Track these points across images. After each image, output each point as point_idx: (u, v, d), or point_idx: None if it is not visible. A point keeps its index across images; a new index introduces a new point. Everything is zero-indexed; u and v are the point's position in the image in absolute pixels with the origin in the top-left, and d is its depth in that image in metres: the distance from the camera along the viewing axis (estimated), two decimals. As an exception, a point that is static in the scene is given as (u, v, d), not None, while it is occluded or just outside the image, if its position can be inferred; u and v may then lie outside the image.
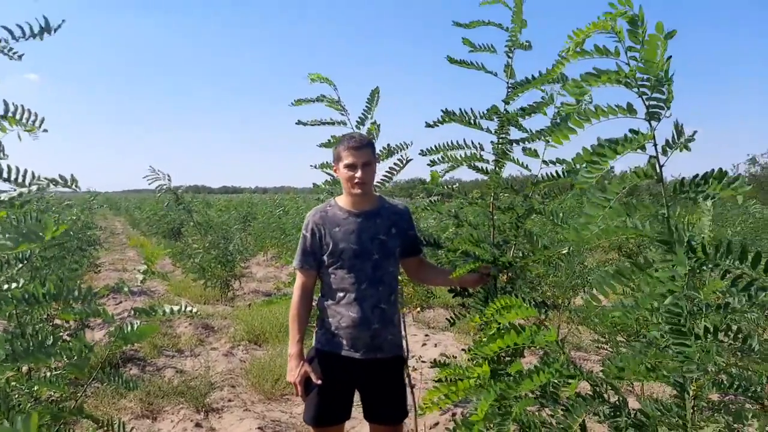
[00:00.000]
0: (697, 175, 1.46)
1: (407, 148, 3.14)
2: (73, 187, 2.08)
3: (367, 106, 3.17)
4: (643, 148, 1.49)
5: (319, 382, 2.41)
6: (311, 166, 3.36)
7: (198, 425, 3.85)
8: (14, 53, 2.05)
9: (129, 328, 2.04)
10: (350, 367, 2.44)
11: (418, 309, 7.04)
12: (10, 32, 1.98)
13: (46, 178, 1.99)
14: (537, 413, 1.99)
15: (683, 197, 1.50)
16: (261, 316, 6.27)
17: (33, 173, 1.96)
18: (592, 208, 1.50)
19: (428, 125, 2.55)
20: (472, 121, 2.48)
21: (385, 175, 3.22)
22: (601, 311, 2.85)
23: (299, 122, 3.29)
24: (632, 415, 1.74)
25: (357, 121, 3.14)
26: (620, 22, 1.44)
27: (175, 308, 2.13)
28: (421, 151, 2.64)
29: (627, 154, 1.48)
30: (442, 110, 2.53)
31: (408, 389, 3.40)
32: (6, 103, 1.91)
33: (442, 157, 2.59)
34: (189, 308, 2.16)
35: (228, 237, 9.39)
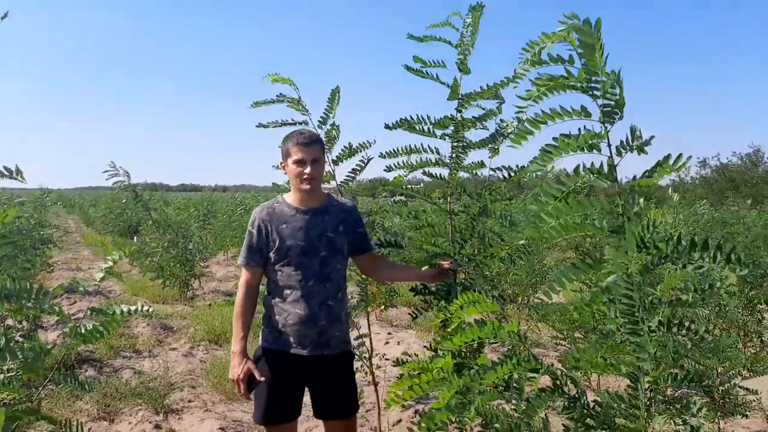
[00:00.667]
0: (647, 170, 1.53)
1: (369, 147, 3.15)
2: (19, 178, 2.02)
3: (328, 106, 3.16)
4: (598, 149, 1.56)
5: (263, 379, 2.39)
6: (274, 166, 3.34)
7: (157, 427, 3.78)
8: None
9: (85, 328, 2.00)
10: (298, 364, 2.43)
11: (382, 308, 7.07)
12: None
13: None
14: (501, 408, 2.03)
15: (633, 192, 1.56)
16: (221, 316, 6.19)
17: None
18: (547, 197, 1.56)
19: (387, 127, 2.61)
20: (426, 129, 2.58)
21: (348, 175, 3.23)
22: (559, 307, 2.93)
23: (260, 125, 3.25)
24: (589, 407, 1.80)
25: (318, 121, 3.14)
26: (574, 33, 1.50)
27: (132, 308, 2.09)
28: (381, 153, 2.69)
29: (579, 150, 1.54)
30: (399, 119, 2.60)
31: (372, 387, 3.42)
32: None
33: (398, 162, 2.66)
34: (146, 308, 2.13)
35: (187, 236, 9.23)
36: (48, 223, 8.65)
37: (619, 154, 1.54)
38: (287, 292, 2.42)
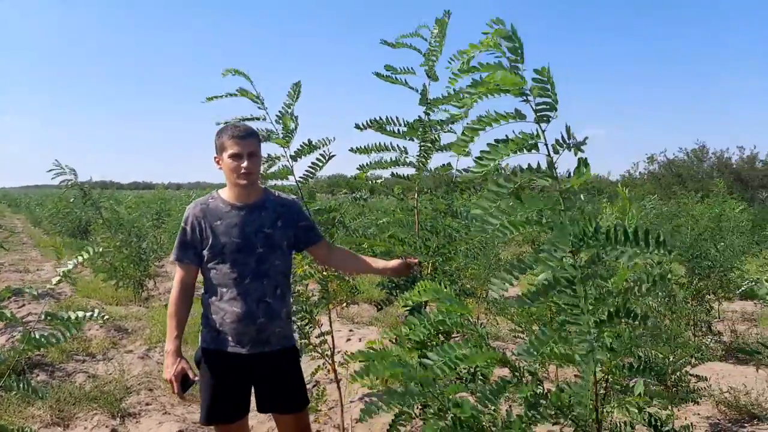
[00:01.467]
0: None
1: (330, 143, 3.15)
2: None
3: (288, 101, 3.14)
4: (536, 148, 1.60)
5: (196, 378, 2.37)
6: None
7: (114, 431, 3.69)
8: None
9: (39, 334, 1.94)
10: (238, 363, 2.41)
11: (344, 305, 7.06)
12: None
13: None
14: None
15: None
16: (179, 316, 6.07)
17: None
18: (485, 201, 1.60)
19: (357, 127, 2.64)
20: (396, 131, 2.65)
21: (307, 170, 3.21)
22: (514, 301, 3.00)
23: (218, 123, 3.21)
24: (546, 396, 1.86)
25: (276, 116, 3.11)
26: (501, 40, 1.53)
27: (88, 314, 2.04)
28: (351, 148, 2.71)
29: (518, 151, 1.58)
30: (369, 119, 2.67)
31: (335, 384, 3.43)
32: None
33: (371, 161, 2.71)
34: (102, 314, 2.08)
35: (141, 235, 9.01)
36: (-8, 224, 8.30)
37: (556, 151, 1.59)
38: (223, 290, 2.38)
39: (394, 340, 2.72)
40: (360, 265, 2.73)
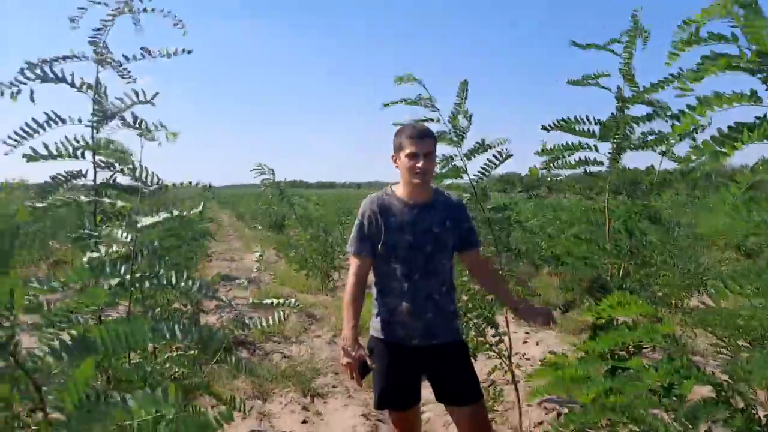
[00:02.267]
0: None
1: (504, 143, 3.13)
2: (206, 194, 2.27)
3: (457, 101, 3.18)
4: None
5: (374, 366, 2.41)
6: None
7: (305, 408, 4.02)
8: (129, 73, 2.26)
9: (247, 318, 2.18)
10: (407, 353, 2.46)
11: (521, 305, 6.86)
12: (148, 51, 2.18)
13: (172, 183, 2.19)
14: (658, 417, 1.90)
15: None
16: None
17: (154, 174, 2.16)
18: (722, 196, 1.42)
19: (544, 128, 2.60)
20: (586, 130, 2.54)
21: (481, 169, 3.20)
22: (722, 313, 2.68)
23: (395, 124, 3.36)
24: (760, 422, 1.63)
25: (449, 117, 3.17)
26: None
27: (284, 301, 2.25)
28: (537, 151, 2.67)
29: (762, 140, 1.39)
30: (556, 120, 2.67)
31: (511, 386, 3.36)
32: (134, 115, 2.14)
33: (556, 162, 2.64)
34: (297, 303, 2.28)
35: (327, 230, 9.68)
36: (207, 218, 9.52)
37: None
38: (393, 285, 2.46)
39: (576, 350, 2.59)
40: (495, 289, 2.75)
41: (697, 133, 2.04)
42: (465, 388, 2.52)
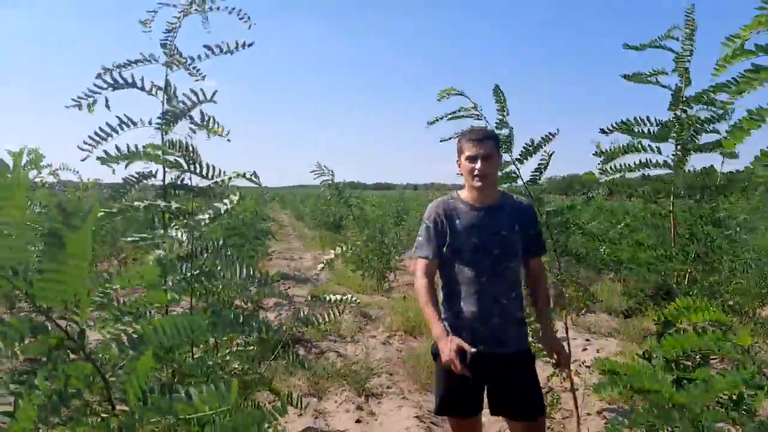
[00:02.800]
0: None
1: (550, 140, 3.07)
2: (254, 180, 2.32)
3: (499, 106, 3.12)
4: None
5: (473, 350, 2.29)
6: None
7: (359, 408, 4.06)
8: (198, 72, 2.34)
9: (304, 313, 2.22)
10: (472, 360, 2.35)
11: (583, 311, 6.72)
12: (211, 48, 2.26)
13: (234, 172, 2.25)
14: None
15: None
16: (416, 309, 6.41)
17: (217, 168, 2.23)
18: None
19: (603, 131, 2.56)
20: (646, 131, 2.50)
21: (533, 173, 3.17)
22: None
23: (443, 140, 3.35)
24: None
25: (495, 123, 3.12)
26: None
27: (342, 297, 2.29)
28: (595, 152, 2.62)
29: None
30: (615, 122, 2.61)
31: (570, 393, 3.28)
32: (202, 113, 2.21)
33: (614, 165, 2.58)
34: (356, 300, 2.31)
35: (384, 231, 9.73)
36: (268, 217, 9.76)
37: None
38: (459, 288, 2.43)
39: (641, 356, 2.50)
40: (534, 303, 2.65)
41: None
42: (527, 402, 2.44)
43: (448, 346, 2.28)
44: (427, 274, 2.49)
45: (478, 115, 3.12)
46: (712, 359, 2.60)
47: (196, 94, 2.20)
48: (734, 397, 1.89)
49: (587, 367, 4.69)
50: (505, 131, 3.09)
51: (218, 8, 2.28)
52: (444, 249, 2.47)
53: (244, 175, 2.23)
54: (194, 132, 2.25)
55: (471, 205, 2.47)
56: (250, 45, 2.28)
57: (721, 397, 1.99)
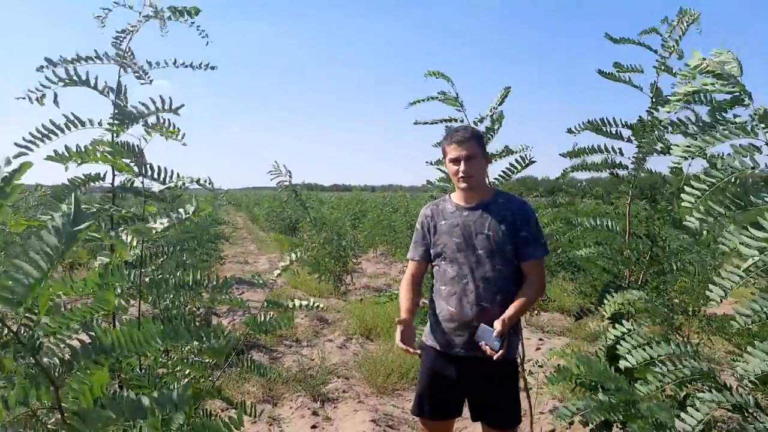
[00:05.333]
0: None
1: (528, 149, 3.11)
2: (207, 186, 2.27)
3: (492, 104, 3.13)
4: None
5: (419, 352, 2.37)
6: (427, 162, 3.39)
7: (315, 413, 4.01)
8: (147, 76, 2.28)
9: (263, 317, 2.18)
10: (451, 363, 2.40)
11: (536, 311, 6.84)
12: (174, 61, 2.20)
13: (188, 177, 2.19)
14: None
15: None
16: (372, 312, 6.41)
17: (174, 172, 2.17)
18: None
19: (570, 131, 2.60)
20: (613, 132, 2.56)
21: (502, 173, 3.18)
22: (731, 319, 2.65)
23: (417, 122, 3.34)
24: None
25: (475, 120, 3.13)
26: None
27: (304, 303, 2.25)
28: (562, 153, 2.67)
29: None
30: (583, 122, 2.66)
31: (524, 393, 3.32)
32: (158, 118, 2.15)
33: (580, 163, 2.64)
34: (316, 304, 2.28)
35: (341, 233, 9.69)
36: (223, 221, 9.57)
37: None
38: (443, 288, 2.42)
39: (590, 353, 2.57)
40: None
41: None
42: (503, 411, 2.42)
43: (397, 340, 2.37)
44: (413, 275, 2.55)
45: (459, 105, 3.11)
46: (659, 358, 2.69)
47: (155, 102, 2.13)
48: (675, 396, 1.96)
49: (540, 366, 4.76)
50: (487, 123, 3.09)
51: (177, 19, 2.23)
52: (431, 249, 2.49)
53: (198, 181, 2.17)
54: (149, 134, 2.18)
55: (457, 206, 2.46)
56: (212, 68, 2.25)
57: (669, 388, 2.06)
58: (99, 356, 1.19)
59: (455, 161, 2.38)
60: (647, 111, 2.58)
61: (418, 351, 2.41)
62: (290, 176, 7.91)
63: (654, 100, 2.56)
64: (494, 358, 2.20)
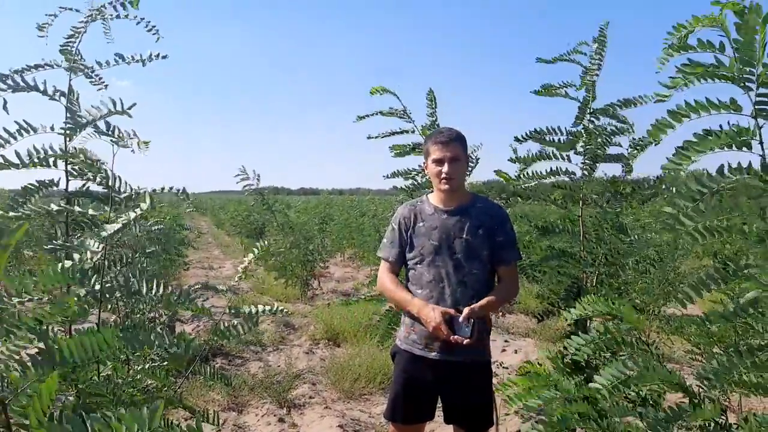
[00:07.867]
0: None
1: (477, 150, 3.21)
2: (181, 197, 2.25)
3: (429, 111, 3.27)
4: (748, 146, 1.42)
5: (456, 313, 2.24)
6: (385, 176, 3.48)
7: (281, 420, 3.97)
8: (100, 79, 2.24)
9: (225, 324, 2.14)
10: (426, 366, 2.38)
11: (500, 313, 6.90)
12: (122, 56, 2.17)
13: (161, 188, 2.17)
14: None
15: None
16: (340, 316, 6.38)
17: (125, 182, 2.14)
18: (681, 199, 1.44)
19: (517, 140, 2.67)
20: (557, 140, 2.66)
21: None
22: (697, 319, 2.72)
23: (370, 137, 3.46)
24: (729, 428, 1.66)
25: (422, 127, 3.25)
26: (729, 15, 1.38)
27: (267, 308, 2.22)
28: (511, 159, 2.73)
29: (725, 147, 1.42)
30: (529, 131, 2.73)
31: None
32: (107, 123, 2.11)
33: (528, 173, 2.70)
34: (281, 309, 2.25)
35: (309, 237, 9.62)
36: (187, 227, 9.41)
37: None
38: (419, 291, 2.39)
39: (552, 358, 2.60)
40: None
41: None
42: (476, 414, 2.42)
43: (432, 315, 2.25)
44: (386, 272, 2.50)
45: (408, 117, 3.22)
46: (621, 356, 2.75)
47: (113, 103, 2.09)
48: (642, 394, 2.01)
49: (505, 368, 4.83)
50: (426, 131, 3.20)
51: (125, 16, 2.19)
52: (407, 251, 2.44)
53: (171, 189, 2.15)
54: (99, 137, 2.14)
55: (436, 208, 2.43)
56: (164, 57, 2.22)
57: (629, 395, 2.11)
58: (50, 366, 1.16)
59: (438, 162, 2.36)
60: (588, 120, 2.68)
61: (457, 337, 2.25)
62: (258, 180, 7.84)
63: (587, 111, 2.67)
64: (464, 343, 2.20)
